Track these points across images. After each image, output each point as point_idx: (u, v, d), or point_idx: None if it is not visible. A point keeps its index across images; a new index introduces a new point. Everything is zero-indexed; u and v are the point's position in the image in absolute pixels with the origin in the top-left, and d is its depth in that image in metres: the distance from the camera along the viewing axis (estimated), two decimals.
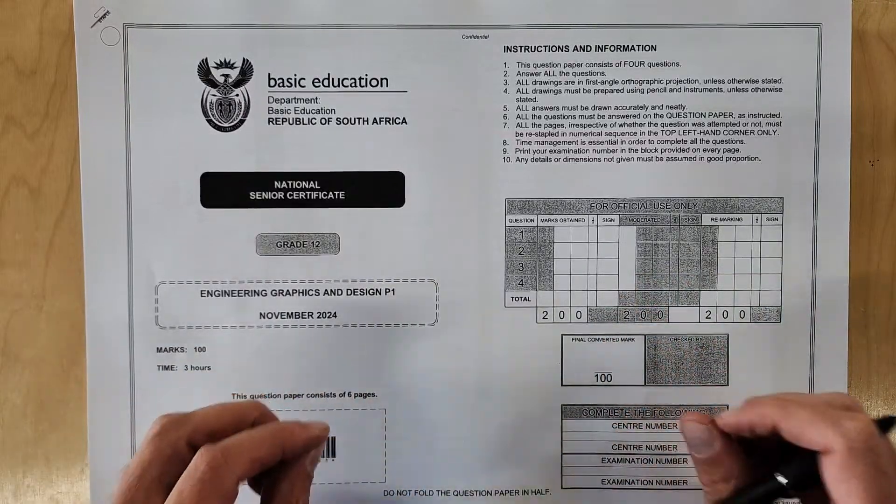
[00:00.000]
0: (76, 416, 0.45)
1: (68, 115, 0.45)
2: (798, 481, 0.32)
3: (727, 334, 0.44)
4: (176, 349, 0.44)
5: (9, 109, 0.45)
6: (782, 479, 0.32)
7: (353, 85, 0.44)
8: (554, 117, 0.44)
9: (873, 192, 0.45)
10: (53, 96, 0.45)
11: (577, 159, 0.44)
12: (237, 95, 0.44)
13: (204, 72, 0.44)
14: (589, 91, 0.44)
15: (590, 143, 0.44)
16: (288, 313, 0.44)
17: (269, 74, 0.44)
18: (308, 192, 0.44)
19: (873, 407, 0.46)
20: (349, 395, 0.44)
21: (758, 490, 0.33)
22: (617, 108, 0.44)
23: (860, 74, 0.44)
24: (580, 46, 0.44)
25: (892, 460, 0.30)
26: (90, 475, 0.44)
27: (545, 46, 0.44)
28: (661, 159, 0.44)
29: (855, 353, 0.45)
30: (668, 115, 0.44)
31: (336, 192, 0.44)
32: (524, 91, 0.44)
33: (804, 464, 0.32)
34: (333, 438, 0.45)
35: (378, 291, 0.45)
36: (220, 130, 0.44)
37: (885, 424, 0.32)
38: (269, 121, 0.44)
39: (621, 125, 0.44)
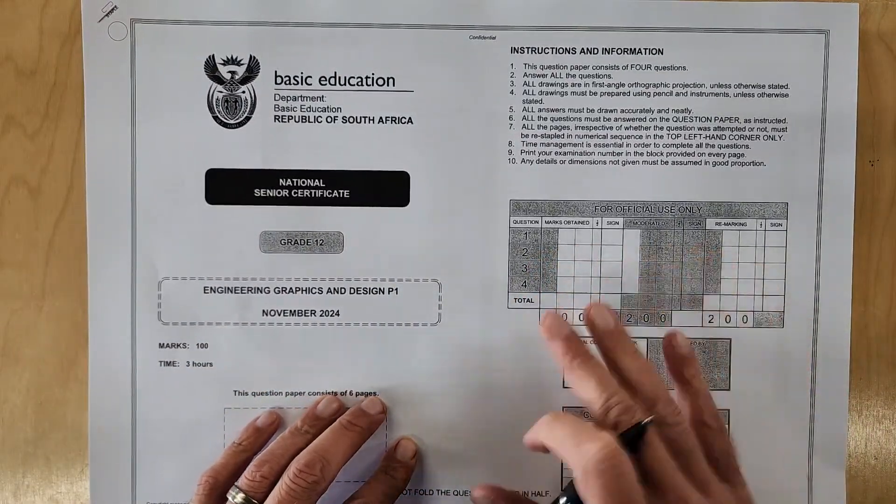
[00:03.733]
0: (76, 416, 0.45)
1: (68, 115, 0.44)
2: (574, 499, 0.33)
3: (729, 339, 0.45)
4: (178, 345, 0.44)
5: (9, 109, 0.45)
6: (563, 500, 0.34)
7: (359, 84, 0.44)
8: (560, 119, 0.44)
9: (873, 192, 0.46)
10: (53, 96, 0.44)
11: (582, 161, 0.44)
12: (243, 92, 0.44)
13: (211, 68, 0.44)
14: (595, 94, 0.44)
15: (595, 145, 0.44)
16: (291, 311, 0.44)
17: (276, 72, 0.44)
18: (313, 191, 0.44)
19: (873, 406, 0.46)
20: (351, 393, 0.44)
21: None
22: (623, 111, 0.44)
23: (861, 74, 0.45)
24: (587, 49, 0.44)
25: (629, 475, 0.32)
26: (90, 475, 0.44)
27: (552, 48, 0.44)
28: (667, 163, 0.44)
29: (855, 353, 0.45)
30: (674, 119, 0.44)
31: (341, 191, 0.44)
32: (530, 92, 0.44)
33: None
34: None
35: (381, 290, 0.44)
36: (226, 127, 0.44)
37: (633, 434, 0.34)
38: (275, 118, 0.44)
39: (627, 128, 0.44)
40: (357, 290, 0.44)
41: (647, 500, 0.33)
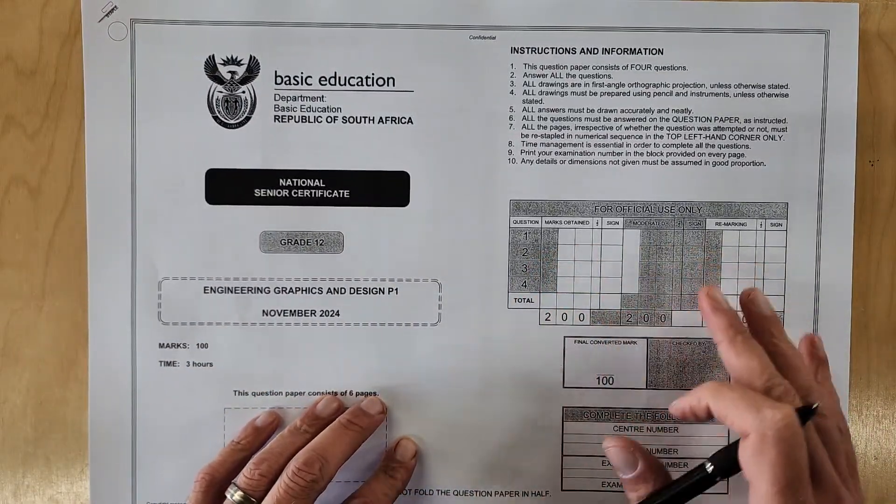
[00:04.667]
0: (76, 416, 0.45)
1: (68, 115, 0.44)
2: (722, 467, 0.35)
3: None
4: (178, 345, 0.44)
5: (9, 109, 0.45)
6: (709, 466, 0.35)
7: (359, 84, 0.44)
8: (560, 119, 0.44)
9: (873, 192, 0.46)
10: (53, 96, 0.44)
11: (582, 161, 0.44)
12: (243, 92, 0.44)
13: (211, 68, 0.44)
14: (595, 94, 0.44)
15: (595, 145, 0.44)
16: (291, 311, 0.44)
17: (276, 72, 0.44)
18: (313, 191, 0.44)
19: (873, 406, 0.46)
20: (351, 393, 0.44)
21: (688, 480, 0.36)
22: (623, 111, 0.44)
23: (860, 74, 0.45)
24: (587, 49, 0.44)
25: (805, 450, 0.32)
26: (90, 475, 0.44)
27: (552, 48, 0.44)
28: (667, 163, 0.44)
29: (855, 353, 0.45)
30: (674, 119, 0.44)
31: (341, 191, 0.44)
32: (530, 92, 0.44)
33: (729, 451, 0.34)
34: None
35: (381, 290, 0.44)
36: (226, 127, 0.44)
37: (805, 414, 0.34)
38: (275, 118, 0.44)
39: (627, 128, 0.44)
40: (357, 290, 0.44)
41: None
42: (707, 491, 0.36)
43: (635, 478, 0.38)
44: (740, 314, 0.40)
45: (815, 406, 0.34)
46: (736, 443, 0.34)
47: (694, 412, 0.36)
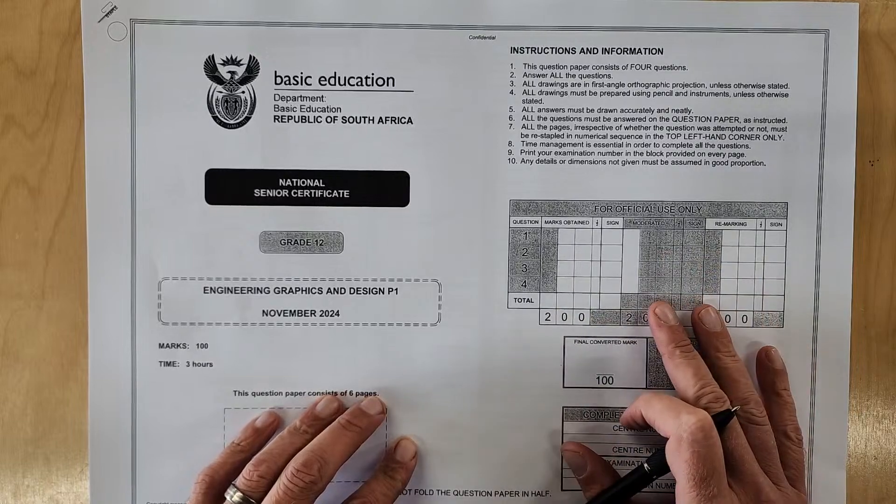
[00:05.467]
0: (76, 416, 0.45)
1: (68, 115, 0.44)
2: (657, 466, 0.40)
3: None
4: (178, 345, 0.44)
5: (9, 109, 0.45)
6: (646, 467, 0.41)
7: (359, 84, 0.44)
8: (559, 119, 0.44)
9: (873, 192, 0.46)
10: (53, 96, 0.44)
11: (582, 161, 0.44)
12: (243, 92, 0.44)
13: (210, 68, 0.44)
14: (595, 93, 0.44)
15: (595, 145, 0.44)
16: (290, 311, 0.44)
17: (276, 72, 0.44)
18: (312, 191, 0.44)
19: (873, 406, 0.46)
20: (351, 393, 0.44)
21: (628, 479, 0.41)
22: (623, 110, 0.44)
23: (860, 74, 0.45)
24: (587, 49, 0.44)
25: (718, 449, 0.37)
26: (90, 475, 0.44)
27: (552, 48, 0.44)
28: (667, 163, 0.44)
29: (855, 353, 0.45)
30: (674, 119, 0.44)
31: (340, 191, 0.44)
32: (530, 92, 0.44)
33: (661, 453, 0.39)
34: None
35: (381, 290, 0.44)
36: (226, 127, 0.44)
37: (722, 419, 0.39)
38: (274, 118, 0.44)
39: (627, 128, 0.44)
40: (357, 290, 0.44)
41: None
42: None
43: (586, 478, 0.43)
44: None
45: (733, 409, 0.39)
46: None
47: (634, 420, 0.42)
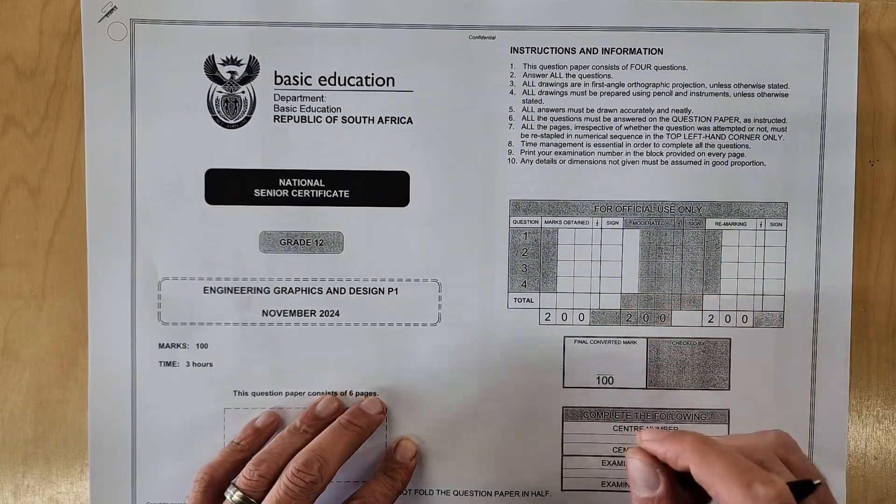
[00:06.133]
0: (76, 416, 0.45)
1: (68, 115, 0.44)
2: None
3: (729, 338, 0.45)
4: (178, 345, 0.44)
5: (9, 109, 0.45)
6: None
7: (359, 84, 0.44)
8: (559, 119, 0.44)
9: (873, 192, 0.45)
10: (53, 96, 0.44)
11: (581, 161, 0.44)
12: (243, 92, 0.44)
13: (210, 68, 0.44)
14: (595, 93, 0.44)
15: (595, 145, 0.44)
16: (290, 311, 0.44)
17: (276, 72, 0.44)
18: (313, 191, 0.44)
19: (873, 406, 0.46)
20: (351, 393, 0.44)
21: None
22: (623, 110, 0.44)
23: (860, 74, 0.45)
24: (587, 49, 0.44)
25: None
26: (90, 475, 0.44)
27: (552, 48, 0.44)
28: (666, 163, 0.44)
29: (855, 353, 0.45)
30: (674, 119, 0.44)
31: (340, 191, 0.44)
32: (530, 92, 0.44)
33: None
34: None
35: (381, 290, 0.44)
36: (226, 127, 0.44)
37: (801, 489, 0.30)
38: (274, 118, 0.44)
39: (627, 128, 0.44)
40: (357, 290, 0.44)
41: None
42: None
43: (650, 499, 0.32)
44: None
45: (816, 482, 0.31)
46: None
47: (666, 461, 0.32)
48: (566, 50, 0.44)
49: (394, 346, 0.45)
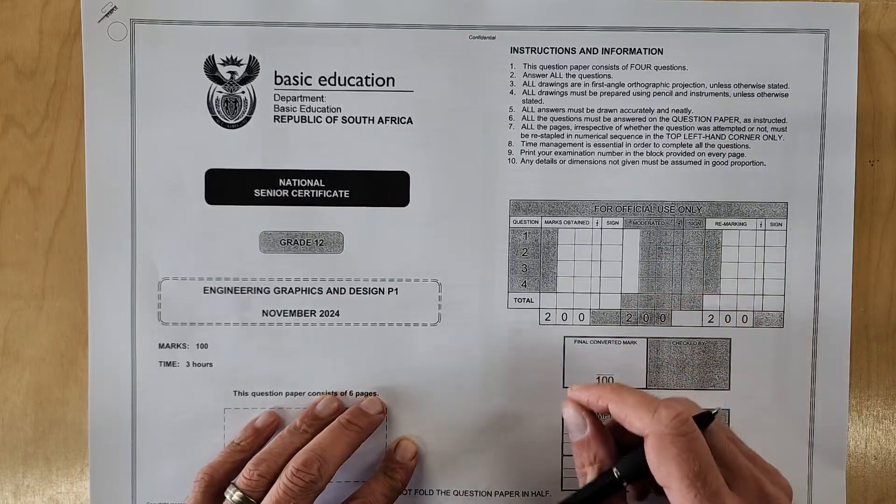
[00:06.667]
0: (76, 416, 0.45)
1: (68, 115, 0.44)
2: (630, 472, 0.36)
3: (729, 338, 0.45)
4: (178, 345, 0.44)
5: (9, 109, 0.45)
6: (616, 472, 0.36)
7: (359, 84, 0.44)
8: (559, 119, 0.44)
9: (873, 192, 0.45)
10: (53, 96, 0.44)
11: (582, 161, 0.44)
12: (243, 93, 0.44)
13: (210, 68, 0.44)
14: (595, 93, 0.44)
15: (595, 145, 0.44)
16: (290, 311, 0.44)
17: (276, 72, 0.44)
18: (313, 191, 0.44)
19: (873, 406, 0.46)
20: (351, 393, 0.44)
21: (595, 485, 0.37)
22: (623, 110, 0.44)
23: (860, 74, 0.45)
24: (587, 49, 0.44)
25: (703, 443, 0.34)
26: (90, 475, 0.44)
27: (552, 48, 0.44)
28: (667, 163, 0.44)
29: (855, 353, 0.45)
30: (674, 119, 0.44)
31: (340, 191, 0.44)
32: (530, 92, 0.44)
33: (636, 456, 0.35)
34: None
35: (381, 290, 0.44)
36: (226, 127, 0.44)
37: (703, 419, 0.35)
38: (274, 118, 0.44)
39: (627, 128, 0.44)
40: (357, 290, 0.44)
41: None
42: None
43: (581, 442, 0.38)
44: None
45: (714, 411, 0.36)
46: (642, 449, 0.35)
47: (590, 406, 0.38)
48: (566, 50, 0.44)
49: (394, 346, 0.45)
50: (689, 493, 0.33)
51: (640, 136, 0.44)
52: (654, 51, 0.44)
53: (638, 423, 0.35)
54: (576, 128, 0.44)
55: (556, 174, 0.44)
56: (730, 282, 0.45)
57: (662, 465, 0.34)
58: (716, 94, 0.44)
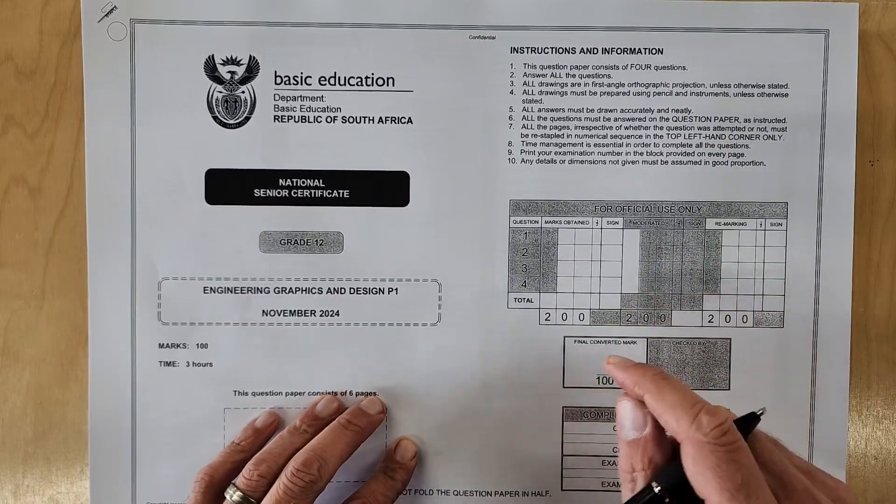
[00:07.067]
0: (76, 416, 0.45)
1: (68, 115, 0.44)
2: (672, 487, 0.31)
3: (729, 338, 0.45)
4: (178, 345, 0.44)
5: (9, 109, 0.45)
6: (656, 488, 0.32)
7: (359, 84, 0.44)
8: (559, 119, 0.44)
9: (873, 192, 0.45)
10: (53, 96, 0.44)
11: (581, 161, 0.44)
12: (243, 92, 0.44)
13: (210, 68, 0.44)
14: (595, 93, 0.44)
15: (595, 145, 0.44)
16: (290, 311, 0.44)
17: (276, 72, 0.44)
18: (312, 191, 0.44)
19: (873, 406, 0.46)
20: (351, 393, 0.44)
21: (635, 501, 0.32)
22: (623, 110, 0.44)
23: (860, 74, 0.45)
24: (587, 49, 0.44)
25: (747, 453, 0.30)
26: (90, 475, 0.44)
27: (552, 48, 0.44)
28: (666, 163, 0.44)
29: (855, 353, 0.45)
30: (674, 119, 0.44)
31: (340, 191, 0.44)
32: (530, 92, 0.44)
33: (675, 469, 0.31)
34: None
35: (381, 290, 0.44)
36: (226, 127, 0.44)
37: (745, 423, 0.32)
38: (274, 118, 0.44)
39: (627, 128, 0.44)
40: (357, 290, 0.44)
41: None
42: None
43: (637, 442, 0.33)
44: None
45: (759, 412, 0.33)
46: (680, 461, 0.31)
47: (624, 388, 0.34)
48: (566, 50, 0.44)
49: (394, 346, 0.45)
50: None
51: (640, 136, 0.44)
52: (654, 51, 0.44)
53: (674, 426, 0.31)
54: (576, 128, 0.44)
55: (556, 174, 0.44)
56: (730, 282, 0.45)
57: (700, 475, 0.30)
58: (716, 94, 0.44)
